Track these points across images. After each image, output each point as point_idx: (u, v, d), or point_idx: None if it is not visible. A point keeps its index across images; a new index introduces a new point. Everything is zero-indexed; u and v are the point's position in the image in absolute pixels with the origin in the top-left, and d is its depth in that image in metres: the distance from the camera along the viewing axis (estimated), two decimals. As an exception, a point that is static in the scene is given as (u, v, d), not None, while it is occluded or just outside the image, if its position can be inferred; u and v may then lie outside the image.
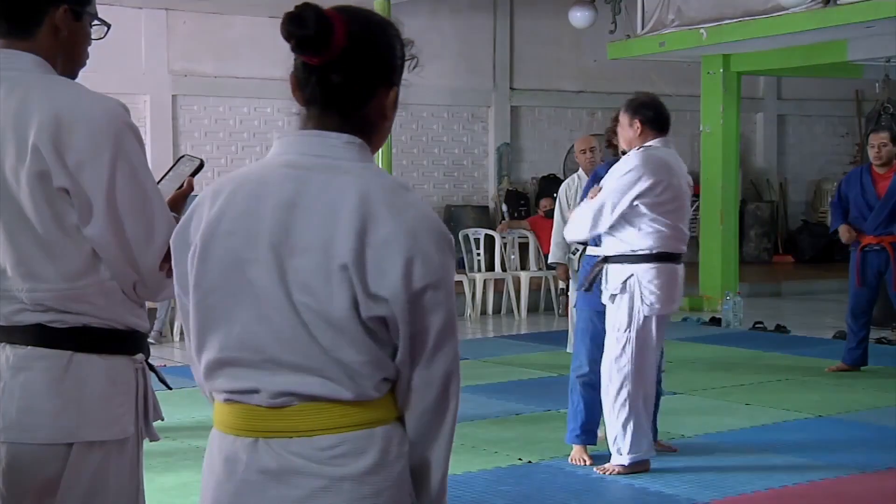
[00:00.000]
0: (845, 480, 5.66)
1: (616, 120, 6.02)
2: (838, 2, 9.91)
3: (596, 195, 5.58)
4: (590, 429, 5.89)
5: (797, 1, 10.00)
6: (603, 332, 5.67)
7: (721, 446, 6.34)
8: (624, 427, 5.57)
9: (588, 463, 5.81)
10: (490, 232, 12.71)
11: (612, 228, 5.52)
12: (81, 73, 2.55)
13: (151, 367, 2.55)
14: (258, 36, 13.29)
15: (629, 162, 5.50)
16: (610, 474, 5.64)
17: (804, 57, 11.75)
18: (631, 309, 5.51)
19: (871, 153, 8.49)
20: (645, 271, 5.48)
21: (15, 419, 2.36)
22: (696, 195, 14.93)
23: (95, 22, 2.54)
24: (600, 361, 5.65)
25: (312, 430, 1.92)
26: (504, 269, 12.43)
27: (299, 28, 1.91)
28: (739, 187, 13.96)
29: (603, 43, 12.97)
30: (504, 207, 14.70)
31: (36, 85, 2.38)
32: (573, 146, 10.47)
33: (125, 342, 2.44)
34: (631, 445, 5.58)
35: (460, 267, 12.39)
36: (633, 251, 5.50)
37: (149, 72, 13.16)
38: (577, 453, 5.88)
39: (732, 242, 12.89)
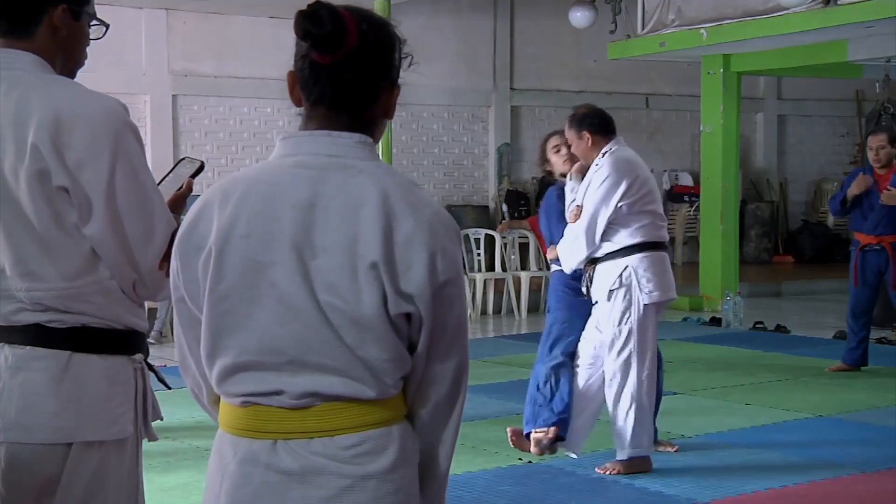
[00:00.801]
0: (845, 480, 5.66)
1: (543, 149, 6.09)
2: (838, 2, 9.90)
3: (577, 216, 5.65)
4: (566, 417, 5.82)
5: (797, 1, 10.00)
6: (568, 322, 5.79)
7: (721, 446, 6.34)
8: (625, 420, 5.60)
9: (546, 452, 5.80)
10: (490, 232, 12.71)
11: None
12: (81, 72, 2.55)
13: (150, 367, 2.55)
14: (258, 36, 13.29)
15: (602, 171, 5.59)
16: (610, 474, 5.64)
17: (804, 57, 11.74)
18: (630, 300, 5.57)
19: (870, 156, 8.49)
20: (639, 261, 5.57)
21: (14, 419, 2.36)
22: (696, 195, 14.97)
23: (94, 22, 2.54)
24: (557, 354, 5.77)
25: (334, 429, 1.93)
26: (504, 269, 12.43)
27: (316, 26, 1.92)
28: (739, 187, 13.96)
29: (603, 43, 12.97)
30: (504, 207, 14.70)
31: (35, 84, 2.38)
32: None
33: (124, 342, 2.44)
34: (632, 439, 5.60)
35: (460, 267, 12.38)
36: (623, 247, 5.58)
37: (149, 72, 13.15)
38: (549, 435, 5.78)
39: (732, 242, 12.88)
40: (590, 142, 5.65)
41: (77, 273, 2.36)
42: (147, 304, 2.53)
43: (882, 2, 9.53)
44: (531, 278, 12.31)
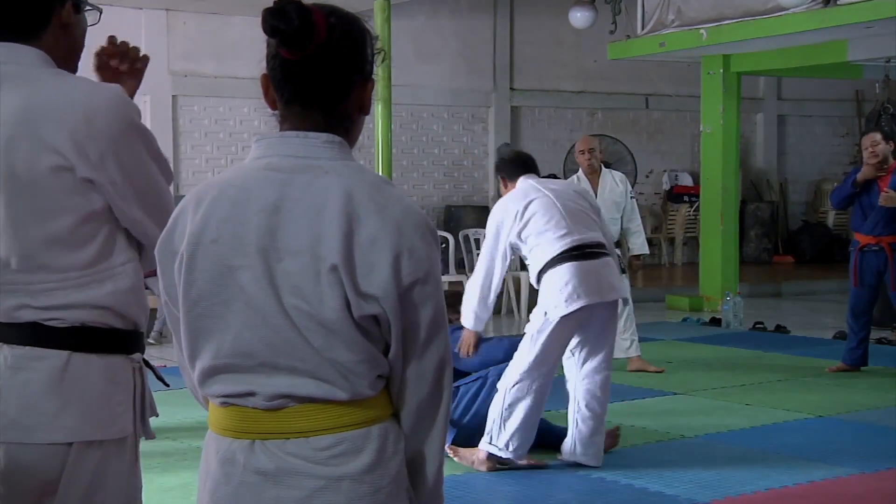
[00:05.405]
0: (845, 480, 5.66)
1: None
2: (838, 2, 9.90)
3: None
4: None
5: (797, 1, 10.00)
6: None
7: (721, 446, 6.33)
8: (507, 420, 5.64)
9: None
10: (490, 232, 12.69)
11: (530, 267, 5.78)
12: (82, 74, 2.55)
13: (148, 365, 2.55)
14: (258, 36, 13.06)
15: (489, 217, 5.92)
16: (469, 463, 5.72)
17: (804, 57, 11.75)
18: (538, 315, 5.64)
19: (866, 155, 8.42)
20: (545, 279, 5.64)
21: (14, 419, 2.35)
22: (696, 195, 14.97)
23: (88, 7, 2.55)
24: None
25: (309, 430, 1.93)
26: (504, 270, 12.39)
27: (284, 22, 1.91)
28: (739, 187, 13.96)
29: (603, 43, 12.98)
30: (504, 207, 14.68)
31: (42, 80, 2.38)
32: (574, 146, 10.49)
33: (123, 342, 2.44)
34: (512, 439, 5.63)
35: (460, 267, 12.39)
36: (536, 272, 5.71)
37: (149, 72, 12.89)
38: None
39: (732, 243, 12.88)
40: (505, 184, 6.02)
41: (91, 261, 2.37)
42: (149, 304, 2.53)
43: (882, 2, 9.53)
44: (531, 278, 12.28)
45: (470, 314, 5.83)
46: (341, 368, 1.91)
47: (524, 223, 5.72)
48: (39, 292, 2.36)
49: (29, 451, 2.36)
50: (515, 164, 6.06)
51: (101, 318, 2.39)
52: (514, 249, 5.79)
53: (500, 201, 5.93)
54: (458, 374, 6.07)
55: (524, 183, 5.88)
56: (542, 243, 5.67)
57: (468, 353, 5.93)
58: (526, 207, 5.74)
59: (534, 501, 5.36)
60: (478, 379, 6.01)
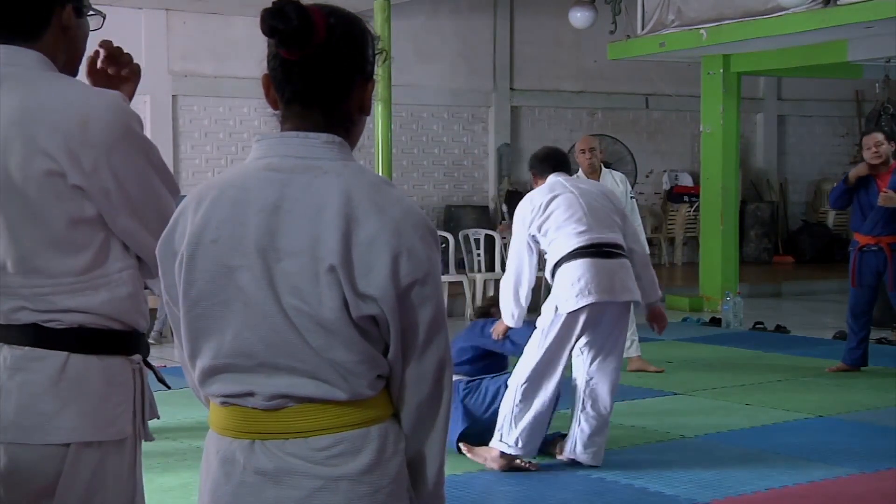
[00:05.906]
0: (845, 480, 5.66)
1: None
2: (838, 2, 9.90)
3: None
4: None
5: (797, 1, 10.00)
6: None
7: (721, 446, 6.33)
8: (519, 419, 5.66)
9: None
10: (490, 232, 12.71)
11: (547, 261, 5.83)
12: (81, 76, 2.54)
13: (149, 366, 2.55)
14: (258, 36, 13.03)
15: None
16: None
17: (804, 57, 11.75)
18: (549, 310, 5.67)
19: (868, 155, 8.38)
20: (559, 273, 5.69)
21: (13, 420, 2.35)
22: (696, 195, 14.97)
23: (90, 12, 2.54)
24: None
25: (308, 430, 1.93)
26: (504, 270, 12.38)
27: (282, 22, 1.91)
28: (739, 187, 13.96)
29: (603, 43, 12.98)
30: (504, 208, 14.71)
31: (41, 83, 2.37)
32: (574, 146, 10.50)
33: (122, 343, 2.44)
34: (520, 437, 5.65)
35: (460, 267, 12.39)
36: (551, 266, 5.76)
37: (149, 72, 12.99)
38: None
39: (732, 243, 12.88)
40: (536, 180, 6.08)
41: (85, 267, 2.36)
42: (148, 304, 2.53)
43: (882, 2, 9.53)
44: (531, 278, 12.27)
45: (507, 312, 5.92)
46: (340, 369, 1.91)
47: (546, 216, 5.76)
48: (35, 296, 2.35)
49: (28, 452, 2.36)
50: (546, 161, 6.10)
51: (98, 322, 2.39)
52: (535, 242, 5.82)
53: (527, 195, 6.01)
54: (490, 368, 6.18)
55: (553, 179, 5.94)
56: (560, 238, 5.70)
57: (498, 338, 6.09)
58: (550, 201, 5.79)
59: (534, 501, 5.35)
60: (504, 374, 6.08)
